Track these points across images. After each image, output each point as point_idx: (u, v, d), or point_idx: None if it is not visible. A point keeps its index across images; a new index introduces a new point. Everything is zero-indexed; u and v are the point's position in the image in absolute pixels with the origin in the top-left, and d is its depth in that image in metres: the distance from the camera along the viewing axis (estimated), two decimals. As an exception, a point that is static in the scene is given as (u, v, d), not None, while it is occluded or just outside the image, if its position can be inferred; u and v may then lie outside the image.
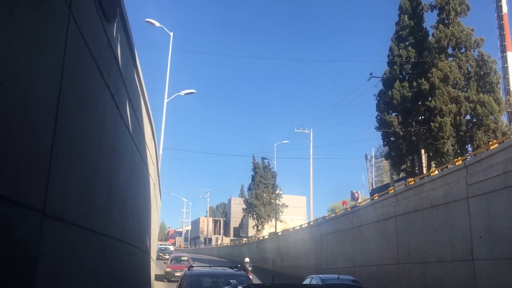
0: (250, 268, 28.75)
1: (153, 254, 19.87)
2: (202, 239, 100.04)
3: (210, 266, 12.05)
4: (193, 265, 11.86)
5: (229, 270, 10.08)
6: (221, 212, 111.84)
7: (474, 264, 13.09)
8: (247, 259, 31.80)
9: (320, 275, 15.19)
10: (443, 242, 14.83)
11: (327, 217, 30.85)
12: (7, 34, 2.68)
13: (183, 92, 28.98)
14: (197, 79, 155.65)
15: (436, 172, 17.27)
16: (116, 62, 6.07)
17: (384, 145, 30.28)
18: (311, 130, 47.17)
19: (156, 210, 18.65)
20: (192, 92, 29.30)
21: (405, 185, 20.29)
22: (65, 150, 3.93)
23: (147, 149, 11.49)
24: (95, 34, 4.78)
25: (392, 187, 22.66)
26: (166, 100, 27.40)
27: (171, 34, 28.20)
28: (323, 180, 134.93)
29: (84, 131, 4.59)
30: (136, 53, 7.99)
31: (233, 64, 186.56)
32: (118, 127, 6.46)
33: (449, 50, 26.07)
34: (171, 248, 57.38)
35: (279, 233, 43.35)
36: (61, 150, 3.80)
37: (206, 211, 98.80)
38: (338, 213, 29.27)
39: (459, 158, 16.61)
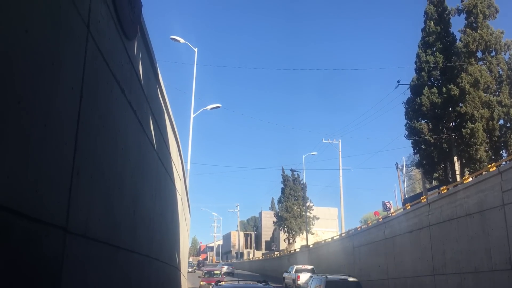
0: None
1: (183, 269, 19.90)
2: (233, 253, 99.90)
3: (238, 281, 12.00)
4: (222, 280, 11.84)
5: (257, 284, 10.02)
6: (252, 226, 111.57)
7: (514, 274, 12.56)
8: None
9: None
10: (479, 252, 14.30)
11: (359, 229, 30.29)
12: (23, 54, 2.73)
13: (209, 107, 29.19)
14: (222, 93, 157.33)
15: (470, 179, 16.76)
16: (138, 79, 6.15)
17: (414, 154, 29.68)
18: (340, 140, 46.66)
19: (185, 225, 18.73)
20: (218, 107, 29.46)
21: (438, 193, 19.75)
22: (87, 167, 3.97)
23: (173, 164, 11.58)
24: (115, 52, 4.86)
25: (424, 196, 22.11)
26: (192, 115, 27.69)
27: (196, 49, 28.62)
28: (355, 191, 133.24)
29: (106, 148, 4.63)
30: (158, 69, 8.09)
31: (257, 76, 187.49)
32: (142, 143, 6.52)
33: (479, 54, 25.48)
34: (194, 262, 76.11)
35: (311, 246, 42.83)
36: (83, 167, 3.83)
37: (237, 225, 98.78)
38: (370, 224, 28.74)
39: (493, 164, 16.07)
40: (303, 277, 29.41)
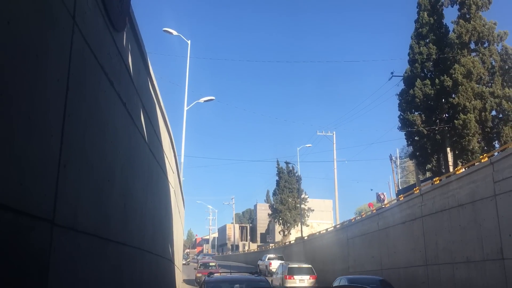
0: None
1: (178, 262, 19.94)
2: (229, 246, 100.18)
3: (230, 272, 12.06)
4: (216, 272, 11.94)
5: (248, 275, 10.07)
6: (248, 218, 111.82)
7: (504, 263, 12.69)
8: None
9: (348, 276, 17.52)
10: (471, 242, 14.43)
11: (353, 220, 30.43)
12: (5, 46, 2.70)
13: (202, 100, 29.14)
14: (216, 86, 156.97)
15: (462, 170, 16.85)
16: (128, 71, 6.11)
17: (408, 145, 29.77)
18: (334, 132, 46.68)
19: (179, 218, 18.73)
20: (212, 99, 29.41)
21: (431, 184, 19.86)
22: (75, 159, 3.94)
23: (165, 157, 11.55)
24: (103, 44, 4.82)
25: (417, 187, 22.23)
26: (186, 108, 27.63)
27: (189, 42, 28.50)
28: (349, 183, 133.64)
29: (95, 140, 4.61)
30: (149, 61, 8.04)
31: (251, 69, 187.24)
32: (132, 135, 6.49)
33: (472, 46, 25.52)
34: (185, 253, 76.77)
35: (306, 238, 43.02)
36: (71, 159, 3.81)
37: (232, 218, 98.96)
38: (364, 216, 28.86)
39: (485, 155, 16.17)
40: (274, 264, 35.36)
